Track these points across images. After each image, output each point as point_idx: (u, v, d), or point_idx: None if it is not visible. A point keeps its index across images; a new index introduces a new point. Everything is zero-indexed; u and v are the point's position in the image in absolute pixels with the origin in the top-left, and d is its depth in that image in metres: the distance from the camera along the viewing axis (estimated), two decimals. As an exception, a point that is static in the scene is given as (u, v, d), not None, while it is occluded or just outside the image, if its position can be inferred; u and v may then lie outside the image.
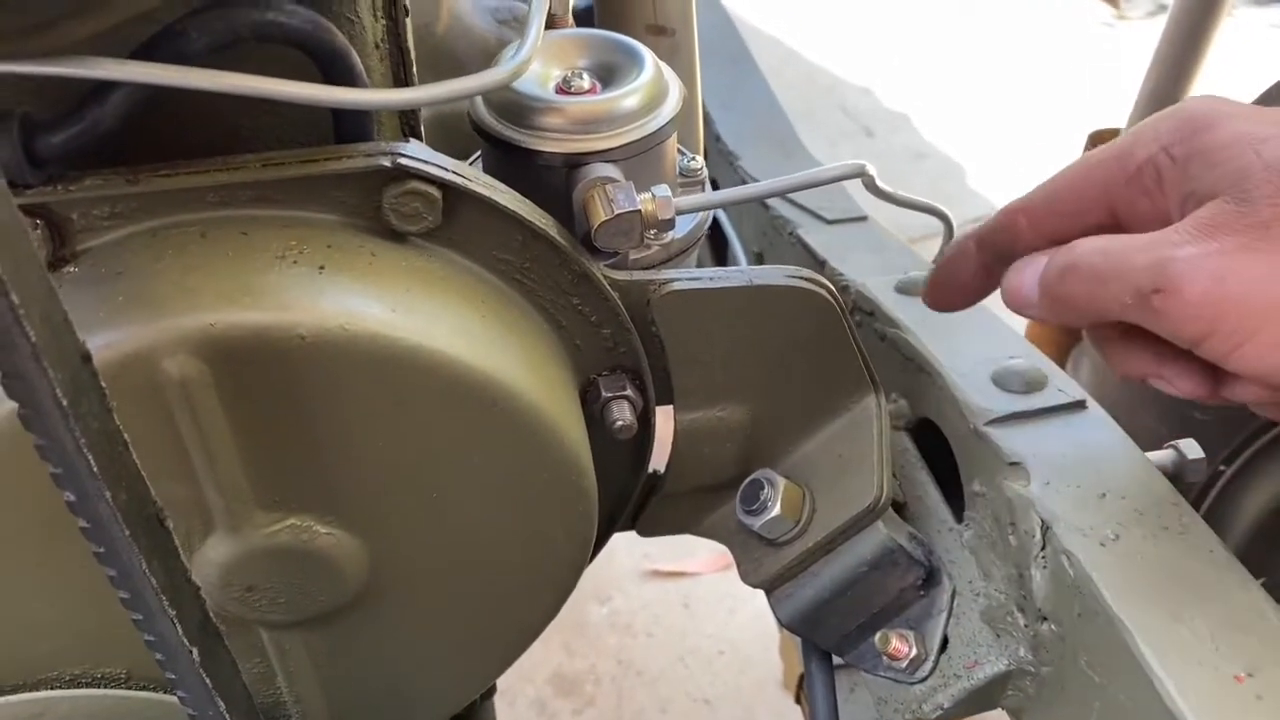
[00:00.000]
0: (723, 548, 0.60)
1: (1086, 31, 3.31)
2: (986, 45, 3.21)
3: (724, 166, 0.97)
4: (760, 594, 0.58)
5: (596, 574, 1.68)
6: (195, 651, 0.40)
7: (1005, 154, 2.64)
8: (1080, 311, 0.47)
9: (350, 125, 0.44)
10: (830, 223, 0.82)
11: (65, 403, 0.32)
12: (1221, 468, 0.91)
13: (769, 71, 1.14)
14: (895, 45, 3.24)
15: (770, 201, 0.86)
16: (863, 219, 0.82)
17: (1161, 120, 0.47)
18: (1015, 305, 0.50)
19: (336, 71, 0.42)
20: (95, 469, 0.34)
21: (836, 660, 0.61)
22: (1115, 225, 0.49)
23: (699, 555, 1.68)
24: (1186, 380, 0.48)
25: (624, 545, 1.72)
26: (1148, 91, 1.11)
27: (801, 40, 3.14)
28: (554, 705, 1.50)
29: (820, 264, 0.76)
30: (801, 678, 1.03)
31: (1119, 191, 0.47)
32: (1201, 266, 0.42)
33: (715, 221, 0.93)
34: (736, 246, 0.91)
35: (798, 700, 1.05)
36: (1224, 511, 0.92)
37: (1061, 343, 1.18)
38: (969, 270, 0.54)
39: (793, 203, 0.85)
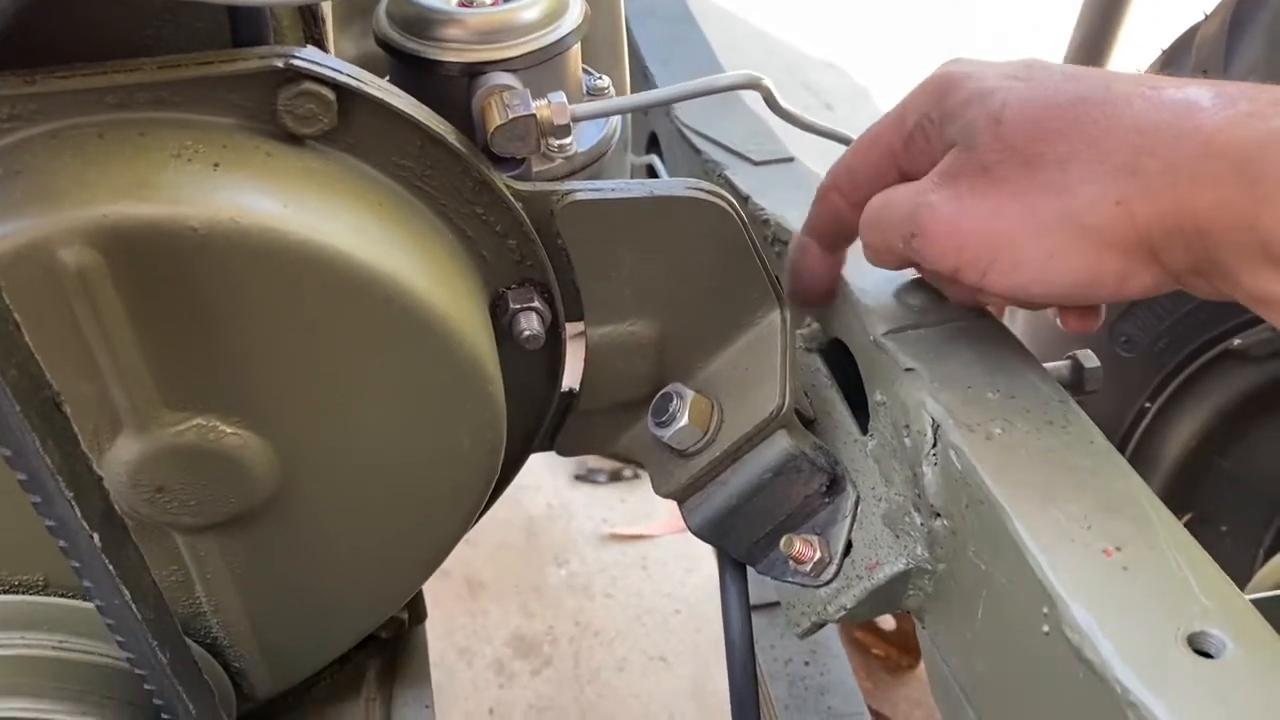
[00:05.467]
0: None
1: (1058, 8, 3.33)
2: (954, 22, 3.23)
3: (662, 117, 0.99)
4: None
5: (555, 537, 1.70)
6: (96, 537, 0.41)
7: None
8: (884, 256, 0.54)
9: (247, 30, 0.45)
10: (758, 164, 0.84)
11: (-55, 271, 0.33)
12: (1146, 405, 0.94)
13: (731, 47, 1.15)
14: (860, 21, 3.26)
15: (700, 145, 0.87)
16: (789, 160, 0.84)
17: (920, 90, 0.52)
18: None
19: (228, -28, 0.43)
20: (-19, 342, 0.35)
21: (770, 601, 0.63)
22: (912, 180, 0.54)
23: (657, 518, 1.70)
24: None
25: (583, 509, 1.74)
26: (1077, 41, 1.13)
27: (764, 16, 3.15)
28: (512, 666, 1.52)
29: (744, 200, 0.77)
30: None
31: (902, 155, 0.52)
32: (941, 211, 0.48)
33: (651, 168, 0.96)
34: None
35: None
36: (1150, 447, 0.95)
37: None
38: (817, 259, 0.59)
39: (723, 146, 0.86)
